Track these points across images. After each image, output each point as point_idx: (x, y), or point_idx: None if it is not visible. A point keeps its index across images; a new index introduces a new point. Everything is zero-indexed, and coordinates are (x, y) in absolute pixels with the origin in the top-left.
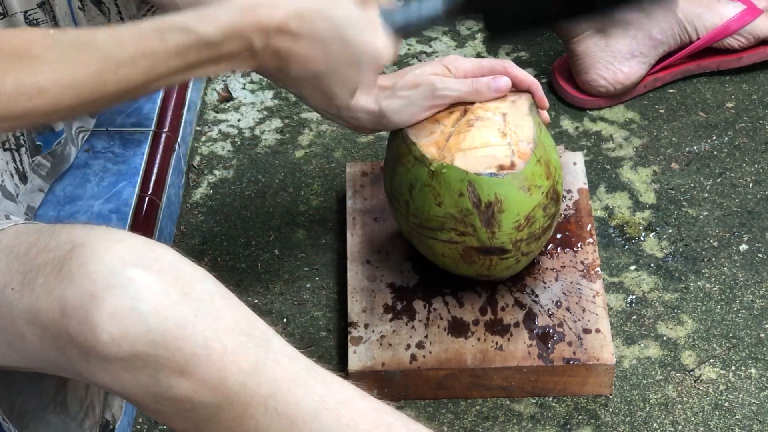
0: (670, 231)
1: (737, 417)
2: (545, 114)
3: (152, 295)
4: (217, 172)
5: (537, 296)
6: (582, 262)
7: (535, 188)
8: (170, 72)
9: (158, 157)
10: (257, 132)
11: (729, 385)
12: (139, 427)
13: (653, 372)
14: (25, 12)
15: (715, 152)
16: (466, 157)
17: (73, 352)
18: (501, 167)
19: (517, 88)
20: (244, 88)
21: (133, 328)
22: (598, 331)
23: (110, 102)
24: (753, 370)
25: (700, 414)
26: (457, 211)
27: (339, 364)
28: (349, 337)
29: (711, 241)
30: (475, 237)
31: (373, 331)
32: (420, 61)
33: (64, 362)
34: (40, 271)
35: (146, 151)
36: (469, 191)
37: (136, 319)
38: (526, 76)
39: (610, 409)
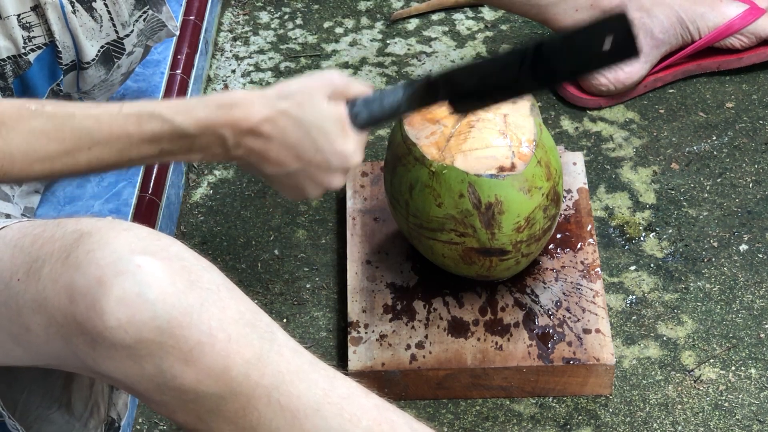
0: (670, 231)
1: (737, 417)
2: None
3: (159, 282)
4: (217, 172)
5: (537, 296)
6: (582, 262)
7: (535, 190)
8: (141, 156)
9: None
10: None
11: (729, 385)
12: (138, 427)
13: (653, 372)
14: (18, 15)
15: (715, 152)
16: (466, 158)
17: (79, 340)
18: (501, 168)
19: None
20: (244, 88)
21: (140, 314)
22: (598, 331)
23: (79, 175)
24: (753, 371)
25: (700, 414)
26: (457, 212)
27: (339, 364)
28: (349, 337)
29: (711, 241)
30: (475, 238)
31: (373, 331)
32: (420, 61)
33: (69, 353)
34: (47, 261)
35: None
36: (469, 192)
37: (143, 305)
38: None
39: (610, 410)
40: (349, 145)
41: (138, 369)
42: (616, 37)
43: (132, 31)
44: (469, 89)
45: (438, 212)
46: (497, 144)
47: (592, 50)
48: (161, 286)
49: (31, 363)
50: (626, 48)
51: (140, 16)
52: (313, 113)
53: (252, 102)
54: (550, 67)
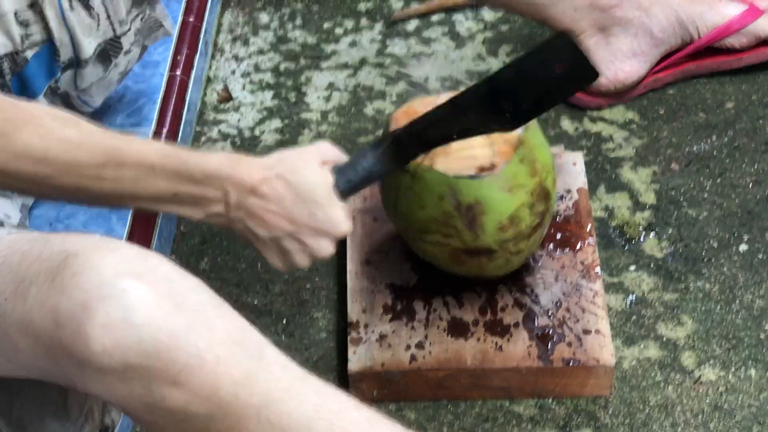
0: (670, 231)
1: (737, 418)
2: None
3: (145, 306)
4: None
5: (537, 296)
6: (582, 263)
7: (518, 188)
8: (155, 194)
9: None
10: (257, 132)
11: (729, 386)
12: (138, 428)
13: (653, 373)
14: (15, 12)
15: (715, 152)
16: (447, 159)
17: (66, 362)
18: (481, 169)
19: None
20: (243, 89)
21: (125, 339)
22: (597, 331)
23: (97, 200)
24: (753, 371)
25: (700, 415)
26: (439, 214)
27: (339, 365)
28: (348, 338)
29: (711, 241)
30: (459, 239)
31: (373, 332)
32: (419, 61)
33: (58, 372)
34: (33, 282)
35: None
36: (449, 194)
37: (129, 330)
38: None
39: (610, 411)
40: (339, 212)
41: (126, 391)
42: (566, 58)
43: (129, 29)
44: (439, 137)
45: (422, 215)
46: (478, 144)
47: (546, 75)
48: (147, 309)
49: (24, 376)
50: (582, 69)
51: (137, 15)
52: (306, 179)
53: (252, 164)
54: (512, 101)
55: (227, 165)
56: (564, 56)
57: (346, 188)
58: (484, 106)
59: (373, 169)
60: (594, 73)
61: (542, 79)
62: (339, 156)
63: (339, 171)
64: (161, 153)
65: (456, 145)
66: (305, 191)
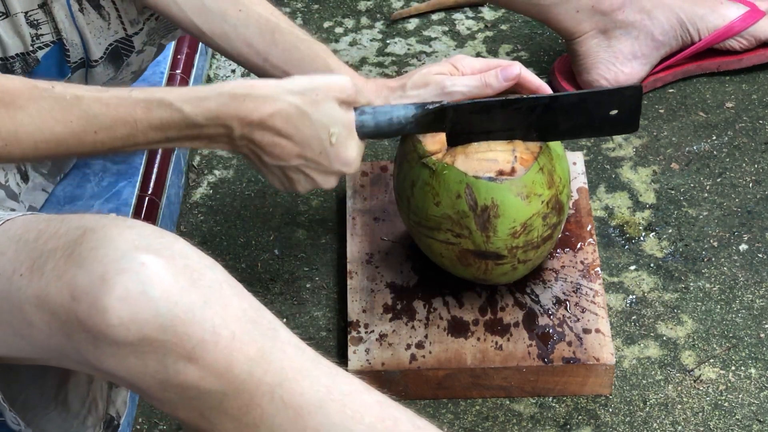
0: (670, 231)
1: (737, 417)
2: None
3: (162, 281)
4: (216, 172)
5: (537, 296)
6: (582, 262)
7: (534, 196)
8: (147, 142)
9: (158, 157)
10: None
11: (729, 385)
12: (138, 427)
13: (653, 372)
14: (26, 12)
15: (715, 152)
16: (467, 160)
17: (81, 337)
18: (500, 172)
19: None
20: None
21: (143, 312)
22: (597, 331)
23: (86, 156)
24: (753, 370)
25: (700, 414)
26: (453, 213)
27: (339, 364)
28: (348, 337)
29: (711, 241)
30: (470, 240)
31: (373, 331)
32: (420, 61)
33: (72, 349)
34: (50, 257)
35: (146, 151)
36: (466, 194)
37: (146, 303)
38: (537, 80)
39: (610, 409)
40: (352, 152)
41: (140, 366)
42: (626, 106)
43: (141, 29)
44: (473, 126)
45: (436, 211)
46: (501, 148)
47: (599, 113)
48: (164, 284)
49: (34, 356)
50: (629, 120)
51: (152, 14)
52: (323, 116)
53: (262, 95)
54: (554, 120)
55: (230, 104)
56: (625, 104)
57: (371, 131)
58: (533, 115)
59: (407, 125)
60: (635, 128)
61: (594, 114)
62: (356, 95)
63: (369, 113)
64: (145, 106)
65: (477, 147)
66: (321, 128)
